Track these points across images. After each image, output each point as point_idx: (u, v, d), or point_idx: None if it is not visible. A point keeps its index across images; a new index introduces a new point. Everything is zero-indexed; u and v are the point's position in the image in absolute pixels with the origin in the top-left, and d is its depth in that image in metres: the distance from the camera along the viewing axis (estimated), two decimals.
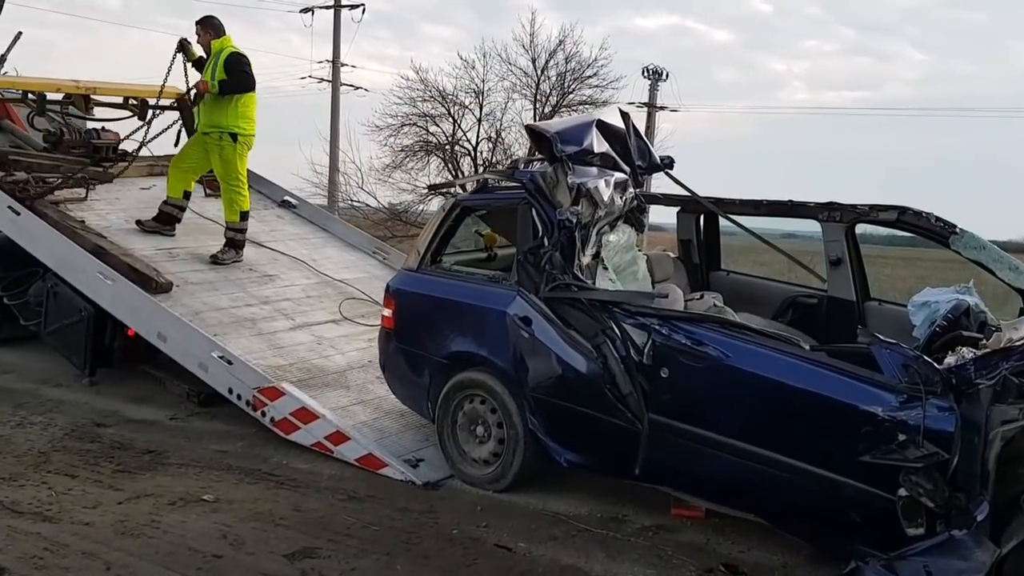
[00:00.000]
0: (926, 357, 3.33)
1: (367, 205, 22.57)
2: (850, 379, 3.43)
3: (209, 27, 6.93)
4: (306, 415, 5.13)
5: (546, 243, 4.25)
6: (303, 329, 6.34)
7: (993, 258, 4.47)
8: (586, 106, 22.36)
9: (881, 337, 3.43)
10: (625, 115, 4.95)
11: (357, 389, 5.68)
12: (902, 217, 4.71)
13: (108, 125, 8.42)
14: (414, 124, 22.76)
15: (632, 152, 4.94)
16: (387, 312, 5.14)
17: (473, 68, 22.75)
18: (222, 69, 6.72)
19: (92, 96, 8.32)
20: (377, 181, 23.00)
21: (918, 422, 3.23)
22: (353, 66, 30.50)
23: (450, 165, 23.02)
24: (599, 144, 4.53)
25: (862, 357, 3.53)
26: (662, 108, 31.22)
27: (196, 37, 7.00)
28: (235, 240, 7.06)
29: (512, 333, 4.38)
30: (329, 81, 31.68)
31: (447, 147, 23.06)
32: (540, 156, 4.74)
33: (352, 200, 23.30)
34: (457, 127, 23.11)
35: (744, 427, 3.64)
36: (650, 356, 3.84)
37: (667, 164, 5.22)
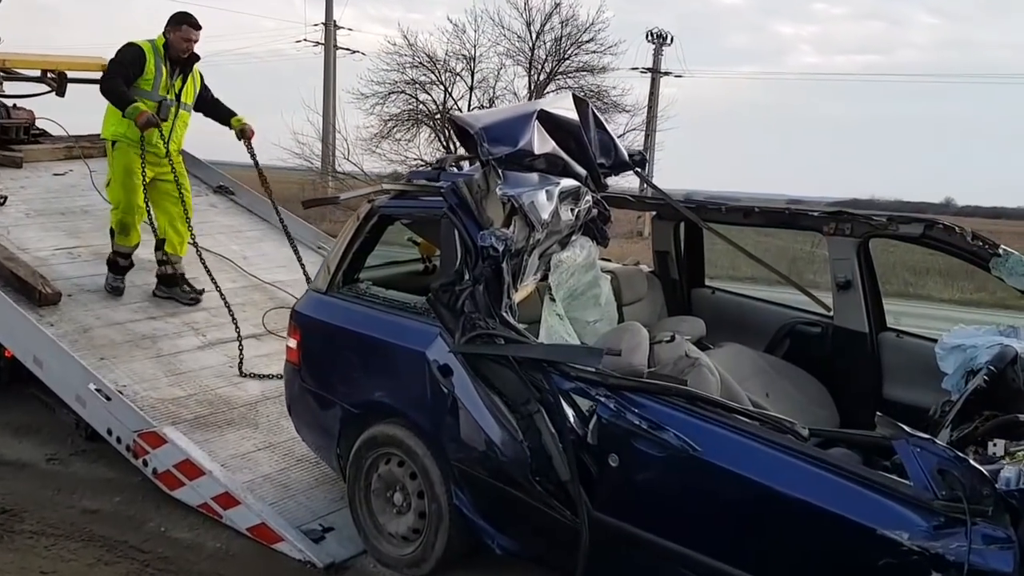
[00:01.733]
0: (973, 462, 2.36)
1: (363, 172, 21.47)
2: (864, 488, 2.45)
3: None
4: (192, 469, 4.19)
5: (466, 276, 3.25)
6: (214, 348, 5.39)
7: None
8: (583, 73, 21.24)
9: (908, 429, 2.45)
10: (581, 102, 3.92)
11: (267, 428, 4.74)
12: (929, 232, 3.74)
13: (22, 103, 7.52)
14: (402, 92, 21.68)
15: (591, 148, 3.93)
16: (291, 343, 4.18)
17: (464, 33, 21.58)
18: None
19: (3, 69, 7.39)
20: (364, 151, 21.97)
21: (960, 557, 2.27)
22: (350, 29, 29.18)
23: (441, 135, 21.98)
24: (542, 142, 3.51)
25: (881, 449, 2.57)
26: (666, 74, 30.02)
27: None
28: (115, 263, 5.72)
29: (431, 383, 3.41)
30: (323, 44, 30.55)
31: (437, 116, 21.99)
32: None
33: (337, 172, 22.30)
34: (448, 95, 22.03)
35: (717, 543, 2.67)
36: (596, 436, 2.87)
37: (637, 161, 4.22)
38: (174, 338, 5.36)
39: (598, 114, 4.02)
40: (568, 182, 3.54)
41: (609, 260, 4.93)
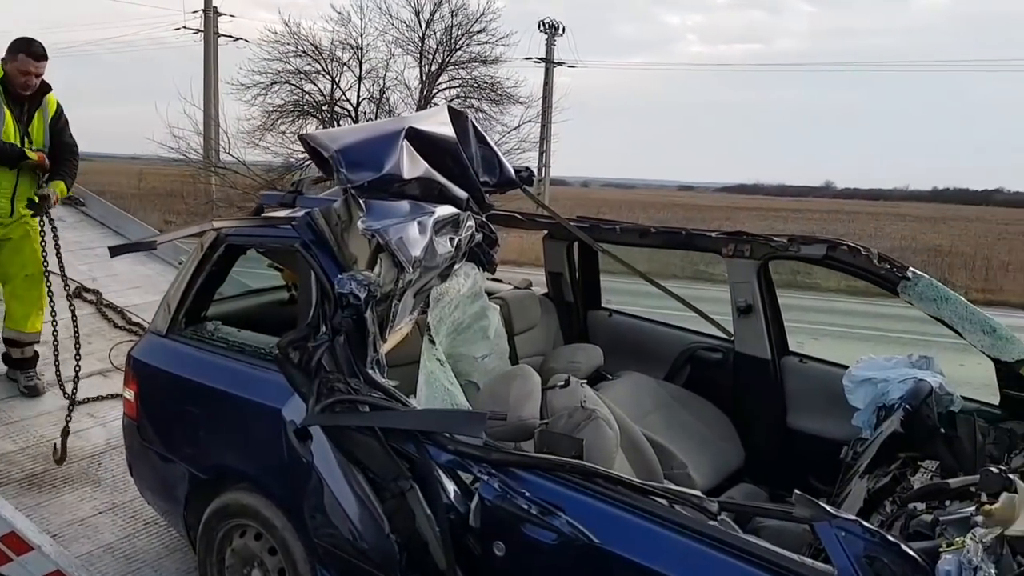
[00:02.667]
0: (907, 547, 2.05)
1: (244, 165, 20.29)
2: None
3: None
4: (18, 543, 3.56)
5: (322, 328, 2.76)
6: (51, 391, 4.69)
7: (959, 314, 3.27)
8: (475, 63, 20.76)
9: (831, 509, 2.13)
10: (458, 114, 3.49)
11: (111, 485, 4.13)
12: (832, 253, 3.50)
13: None
14: (286, 82, 20.64)
15: (473, 166, 3.49)
16: (128, 394, 3.59)
17: (349, 21, 20.72)
18: None
19: None
20: (247, 144, 20.83)
21: None
22: (232, 15, 27.63)
23: (330, 127, 21.07)
24: (412, 164, 3.05)
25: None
26: (559, 64, 29.91)
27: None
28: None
29: (288, 447, 2.91)
30: (203, 31, 28.97)
31: (325, 108, 21.09)
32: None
33: (219, 166, 21.10)
34: (336, 85, 21.14)
35: None
36: (478, 519, 2.44)
37: (524, 178, 3.81)
38: (3, 380, 4.65)
39: (479, 127, 3.59)
40: (445, 210, 3.10)
41: (500, 280, 4.54)
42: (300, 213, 3.01)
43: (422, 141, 3.13)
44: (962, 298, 3.32)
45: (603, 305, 4.52)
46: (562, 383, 3.17)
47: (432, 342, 3.12)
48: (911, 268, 3.37)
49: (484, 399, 2.99)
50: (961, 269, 17.73)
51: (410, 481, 2.53)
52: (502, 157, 3.72)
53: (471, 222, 3.33)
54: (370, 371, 2.69)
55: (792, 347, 3.97)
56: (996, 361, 3.26)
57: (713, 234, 3.79)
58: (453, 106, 3.57)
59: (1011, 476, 2.30)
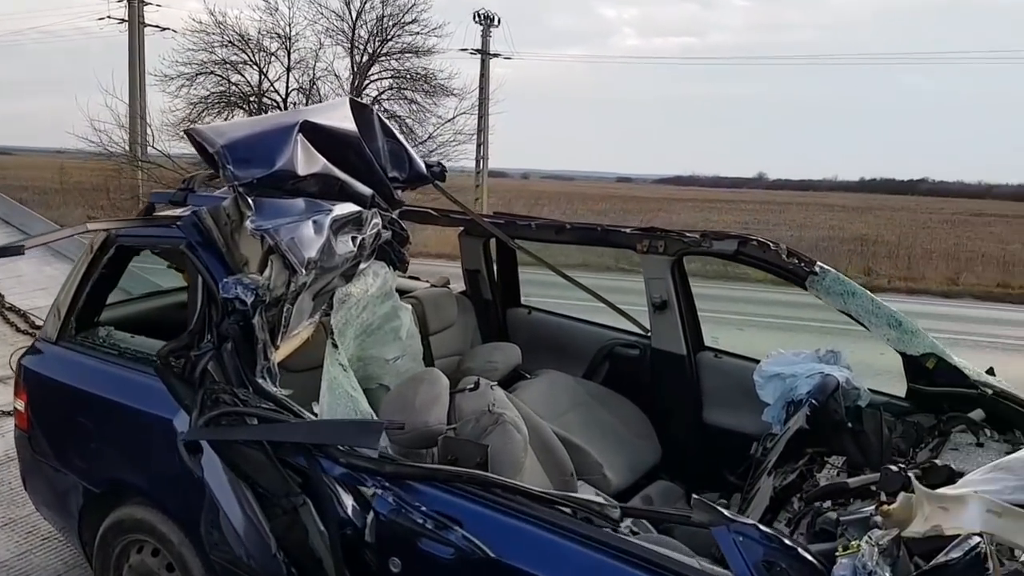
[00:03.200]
0: (804, 551, 2.03)
1: (169, 158, 19.65)
2: None
3: None
4: None
5: (207, 336, 2.62)
6: None
7: (866, 309, 3.30)
8: (408, 54, 20.49)
9: (728, 514, 2.09)
10: (362, 107, 3.37)
11: (8, 498, 3.95)
12: (743, 249, 3.50)
13: None
14: (211, 72, 20.06)
15: (379, 161, 3.38)
16: (19, 405, 3.39)
17: (277, 10, 20.24)
18: None
19: None
20: (172, 137, 20.18)
21: None
22: (158, 4, 26.68)
23: None
24: (308, 160, 2.92)
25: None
26: (495, 55, 29.75)
27: None
28: None
29: (180, 460, 2.75)
30: (128, 21, 27.98)
31: (252, 99, 20.57)
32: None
33: (146, 160, 20.41)
34: (264, 76, 20.64)
35: None
36: (374, 534, 2.34)
37: (436, 174, 3.71)
38: None
39: (385, 121, 3.47)
40: (345, 207, 2.98)
41: (417, 278, 4.44)
42: (188, 212, 2.86)
43: (320, 135, 3.00)
44: (868, 292, 3.36)
45: (523, 302, 4.46)
46: (471, 386, 3.09)
47: (335, 346, 2.99)
48: (818, 263, 3.39)
49: (388, 405, 2.90)
50: (886, 258, 18.22)
51: (302, 496, 2.42)
52: (411, 151, 3.61)
53: (377, 220, 3.22)
54: (260, 380, 2.56)
55: (708, 342, 3.97)
56: (903, 355, 3.30)
57: (628, 230, 3.76)
58: (354, 98, 3.44)
59: (910, 475, 2.31)
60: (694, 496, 2.19)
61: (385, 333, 3.55)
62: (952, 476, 2.51)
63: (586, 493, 3.31)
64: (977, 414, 3.05)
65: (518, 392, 3.73)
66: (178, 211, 3.09)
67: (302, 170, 2.86)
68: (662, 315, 3.77)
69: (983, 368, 3.31)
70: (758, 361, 3.58)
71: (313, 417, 2.68)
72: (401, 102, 20.32)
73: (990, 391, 3.07)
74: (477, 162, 29.01)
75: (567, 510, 2.25)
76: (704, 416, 3.82)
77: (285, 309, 2.66)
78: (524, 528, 2.20)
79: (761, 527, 2.07)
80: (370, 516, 2.31)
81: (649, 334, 3.93)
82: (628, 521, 2.30)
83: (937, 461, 2.59)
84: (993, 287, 14.50)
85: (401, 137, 3.57)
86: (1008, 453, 2.84)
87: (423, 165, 3.67)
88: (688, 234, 3.61)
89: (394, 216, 3.55)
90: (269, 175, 2.75)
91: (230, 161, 2.65)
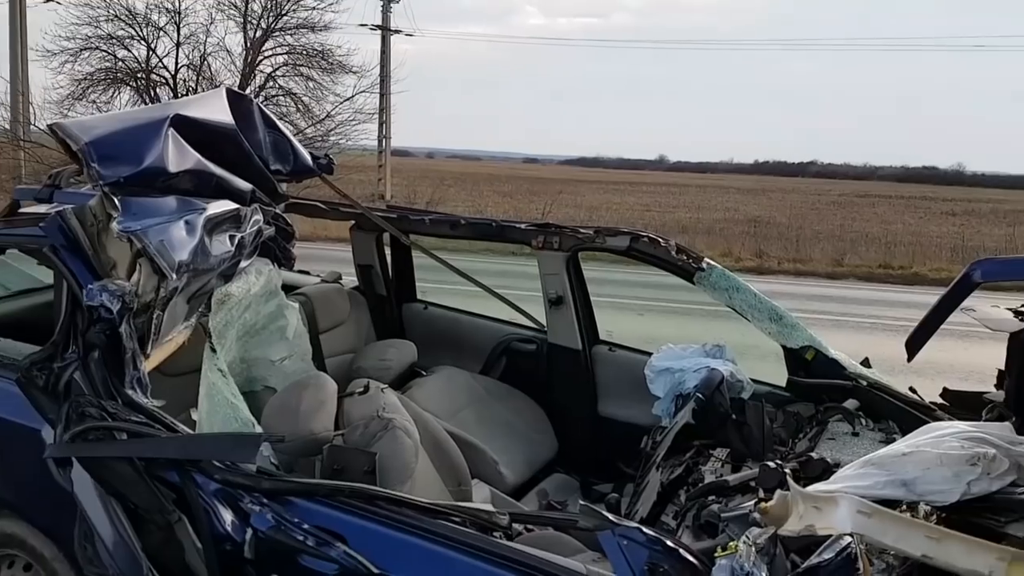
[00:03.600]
0: (686, 552, 2.06)
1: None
2: None
3: None
4: None
5: (72, 346, 2.46)
6: None
7: (749, 303, 3.40)
8: (304, 30, 19.86)
9: (613, 518, 2.10)
10: (240, 97, 3.22)
11: None
12: (635, 245, 3.55)
13: None
14: (97, 48, 18.98)
15: (260, 153, 3.24)
16: None
17: None
18: None
19: None
20: (56, 115, 19.03)
21: None
22: None
23: (145, 96, 19.62)
24: (180, 155, 2.76)
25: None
26: (396, 31, 29.24)
27: None
28: None
29: (48, 473, 2.58)
30: None
31: (140, 76, 19.59)
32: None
33: (22, 140, 19.20)
34: (152, 52, 19.66)
35: None
36: (253, 551, 2.25)
37: (323, 166, 3.60)
38: None
39: (267, 111, 3.33)
40: (221, 205, 2.84)
41: (308, 273, 4.30)
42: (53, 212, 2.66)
43: (193, 129, 2.84)
44: (751, 287, 3.44)
45: (419, 297, 4.39)
46: (360, 389, 3.01)
47: (214, 350, 2.86)
48: (705, 259, 3.46)
49: (271, 413, 2.79)
50: (776, 240, 18.88)
51: (177, 512, 2.30)
52: (295, 142, 3.49)
53: (258, 216, 3.09)
54: (130, 392, 2.42)
55: (603, 335, 4.01)
56: (783, 347, 3.41)
57: (523, 226, 3.75)
58: (231, 88, 3.28)
59: (786, 471, 2.38)
60: (580, 502, 2.19)
61: (270, 333, 3.43)
62: (828, 469, 2.61)
63: (481, 492, 3.31)
64: (852, 404, 3.17)
65: (413, 390, 3.68)
66: (44, 208, 2.89)
67: (174, 167, 2.70)
68: (558, 310, 3.78)
69: (859, 359, 3.45)
70: (650, 354, 3.65)
71: (190, 426, 2.57)
72: (297, 79, 19.71)
73: (865, 382, 3.20)
74: (380, 141, 28.54)
75: (456, 519, 2.22)
76: (599, 409, 3.86)
77: (156, 315, 2.52)
78: (410, 541, 2.15)
79: (645, 530, 2.08)
80: (248, 532, 2.22)
81: (545, 329, 3.94)
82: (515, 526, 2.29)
83: (814, 454, 2.69)
84: (875, 268, 15.24)
85: (285, 128, 3.43)
86: (882, 442, 2.98)
87: (309, 157, 3.55)
88: (582, 230, 3.63)
89: (278, 211, 3.43)
90: (137, 173, 2.59)
91: (95, 159, 2.48)
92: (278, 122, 3.40)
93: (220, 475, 2.25)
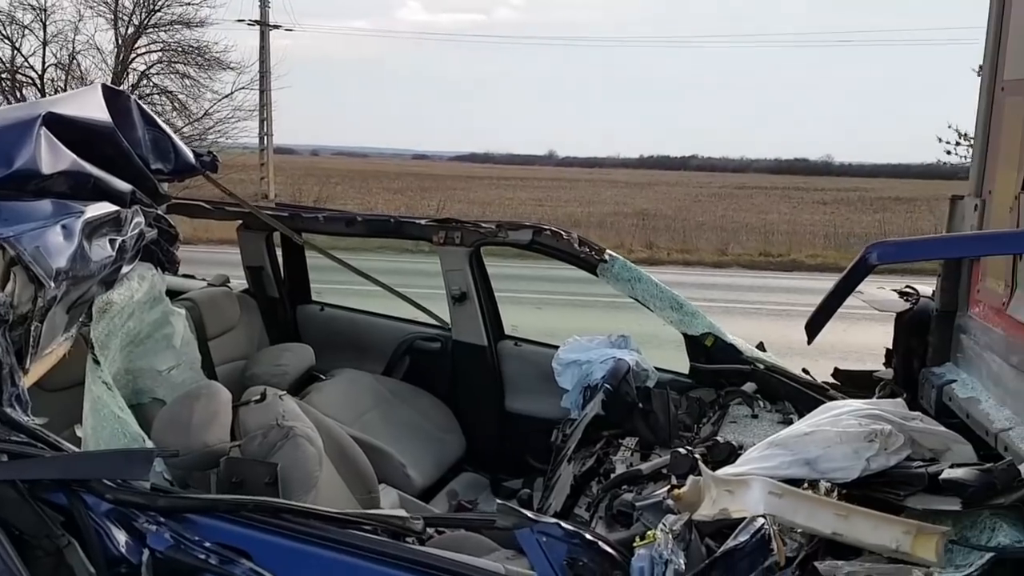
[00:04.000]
0: (605, 544, 2.05)
1: None
2: None
3: None
4: None
5: None
6: None
7: (651, 293, 3.44)
8: (178, 26, 19.08)
9: (532, 515, 2.07)
10: (116, 94, 3.01)
11: None
12: (537, 239, 3.55)
13: None
14: None
15: (140, 152, 3.05)
16: None
17: None
18: None
19: None
20: None
21: None
22: None
23: (11, 97, 18.41)
24: (54, 156, 2.55)
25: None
26: (275, 27, 28.41)
27: None
28: None
29: None
30: None
31: (4, 76, 18.36)
32: None
33: None
34: (16, 51, 18.46)
35: None
36: (151, 571, 2.09)
37: (207, 163, 3.42)
38: None
39: (145, 108, 3.14)
40: (100, 207, 2.64)
41: (192, 276, 4.09)
42: None
43: (68, 128, 2.63)
44: (652, 277, 3.49)
45: (315, 299, 4.25)
46: (257, 397, 2.87)
47: (97, 362, 2.67)
48: (608, 251, 3.49)
49: (162, 426, 2.63)
50: (664, 231, 19.44)
51: (66, 536, 2.12)
52: (177, 140, 3.30)
53: (139, 218, 2.90)
54: (8, 410, 2.21)
55: (508, 330, 3.99)
56: (684, 335, 3.47)
57: (423, 222, 3.68)
58: (109, 84, 3.07)
59: (696, 457, 2.41)
60: (498, 502, 2.15)
61: (156, 342, 3.23)
62: (734, 452, 2.66)
63: (389, 497, 3.22)
64: (750, 387, 3.26)
65: (313, 395, 3.55)
66: None
67: (47, 168, 2.49)
68: (462, 307, 3.74)
69: (754, 343, 3.56)
70: (556, 347, 3.65)
71: (75, 444, 2.38)
72: (173, 77, 18.92)
73: (762, 366, 3.30)
74: (261, 139, 27.71)
75: (367, 528, 2.14)
76: (506, 405, 3.84)
77: (34, 327, 2.31)
78: (320, 554, 2.06)
79: (564, 525, 2.06)
80: (145, 554, 2.07)
81: (449, 327, 3.88)
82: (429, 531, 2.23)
83: (719, 438, 2.74)
84: (757, 256, 15.92)
85: (165, 125, 3.24)
86: (780, 423, 3.08)
87: (191, 155, 3.37)
88: (484, 225, 3.59)
89: (160, 212, 3.24)
90: (8, 176, 2.38)
91: None
92: (158, 120, 3.21)
93: (112, 494, 2.09)
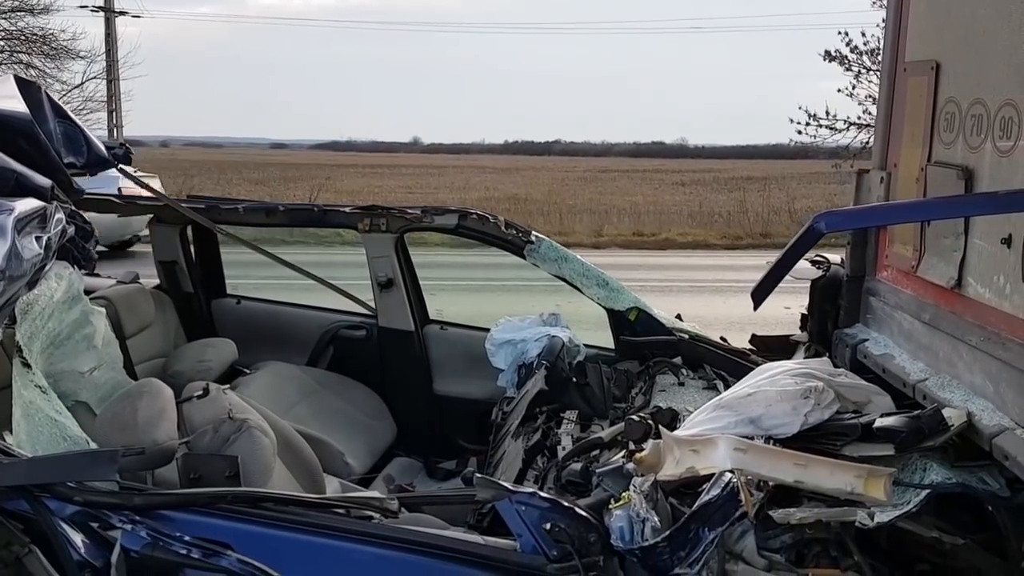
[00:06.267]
0: (580, 509, 2.15)
1: None
2: (477, 569, 2.09)
3: None
4: None
5: None
6: None
7: (578, 272, 3.57)
8: (20, 13, 17.69)
9: (509, 486, 2.14)
10: (27, 84, 2.85)
11: None
12: (463, 223, 3.60)
13: None
14: None
15: (53, 145, 2.89)
16: None
17: None
18: None
19: None
20: None
21: None
22: None
23: None
24: None
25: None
26: (122, 13, 26.81)
27: None
28: None
29: None
30: None
31: None
32: None
33: None
34: None
35: None
36: (123, 572, 2.03)
37: (119, 156, 3.28)
38: None
39: (55, 100, 2.97)
40: (27, 204, 2.50)
41: (97, 275, 3.89)
42: None
43: None
44: (579, 256, 3.62)
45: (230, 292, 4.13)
46: (199, 393, 2.80)
47: (27, 365, 2.53)
48: (534, 232, 3.58)
49: (104, 427, 2.53)
50: (539, 215, 19.78)
51: (27, 545, 2.03)
52: (88, 133, 3.15)
53: (60, 215, 2.75)
54: None
55: (432, 314, 4.02)
56: (609, 310, 3.62)
57: (347, 209, 3.65)
58: (20, 75, 2.89)
59: (651, 423, 2.56)
60: (476, 475, 2.21)
61: (76, 342, 3.07)
62: (675, 416, 2.83)
63: (331, 486, 3.21)
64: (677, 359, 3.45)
65: (239, 390, 3.46)
66: None
67: None
68: (388, 293, 3.74)
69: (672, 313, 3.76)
70: (481, 329, 3.72)
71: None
72: (17, 67, 17.53)
73: (686, 335, 3.50)
74: (111, 131, 26.13)
75: (340, 511, 2.16)
76: (435, 388, 3.88)
77: None
78: (302, 539, 2.06)
79: (541, 493, 2.15)
80: (116, 555, 2.01)
81: (375, 314, 3.87)
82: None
83: (662, 404, 2.90)
84: (631, 236, 16.51)
85: (75, 117, 3.08)
86: (705, 388, 3.28)
87: (103, 147, 3.22)
88: (410, 210, 3.61)
89: (74, 208, 3.08)
90: None
91: None
92: (68, 111, 3.04)
93: (81, 496, 2.01)
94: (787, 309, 6.04)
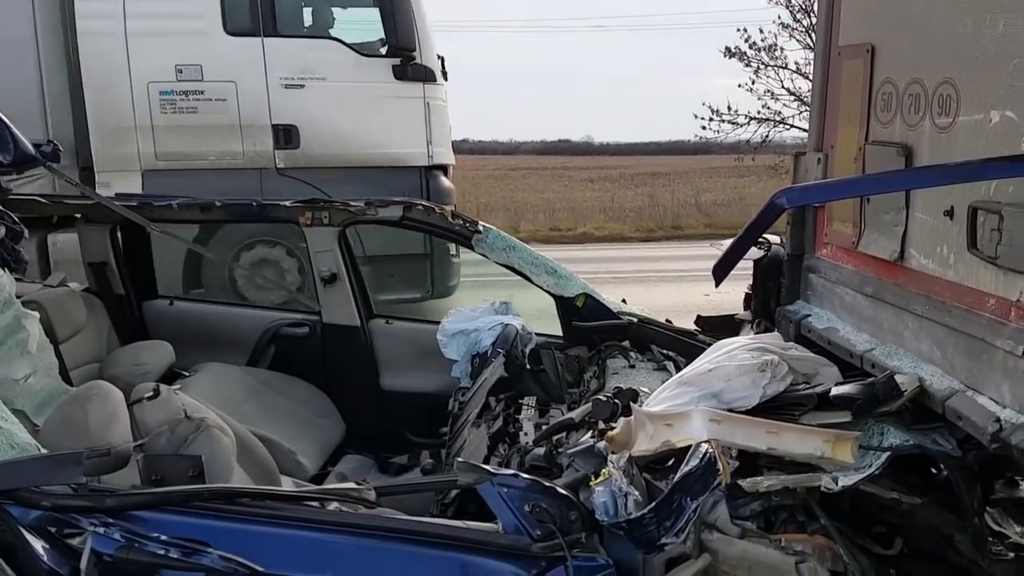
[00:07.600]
0: (560, 489, 2.17)
1: None
2: (464, 553, 2.09)
3: None
4: None
5: None
6: None
7: (527, 260, 3.60)
8: None
9: (491, 469, 2.15)
10: None
11: None
12: (408, 214, 3.58)
13: None
14: None
15: None
16: None
17: None
18: None
19: None
20: None
21: None
22: None
23: None
24: None
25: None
26: None
27: None
28: None
29: None
30: None
31: None
32: None
33: None
34: None
35: None
36: None
37: (48, 154, 3.12)
38: None
39: None
40: None
41: (21, 279, 3.68)
42: None
43: None
44: (526, 246, 3.65)
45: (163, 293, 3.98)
46: (150, 394, 2.70)
47: None
48: (481, 222, 3.59)
49: (54, 432, 2.42)
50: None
51: None
52: (14, 129, 2.98)
53: None
54: None
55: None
56: (558, 298, 3.66)
57: (288, 203, 3.57)
58: None
59: (617, 403, 2.60)
60: (458, 460, 2.21)
61: (9, 348, 2.93)
62: (635, 396, 2.89)
63: (286, 485, 3.14)
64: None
65: (182, 392, 3.35)
66: None
67: None
68: (332, 288, 3.68)
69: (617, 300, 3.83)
70: (426, 322, 3.71)
71: None
72: None
73: (635, 319, 3.57)
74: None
75: (315, 504, 2.13)
76: (382, 383, 3.84)
77: None
78: (282, 533, 2.02)
79: (521, 475, 2.16)
80: (85, 559, 1.92)
81: (318, 310, 3.80)
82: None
83: (622, 385, 2.95)
84: (549, 231, 16.68)
85: (2, 118, 2.92)
86: (655, 369, 3.36)
87: (30, 145, 3.06)
88: (353, 203, 3.55)
89: (2, 208, 2.92)
90: None
91: None
92: None
93: (49, 501, 1.92)
94: (706, 296, 6.24)
